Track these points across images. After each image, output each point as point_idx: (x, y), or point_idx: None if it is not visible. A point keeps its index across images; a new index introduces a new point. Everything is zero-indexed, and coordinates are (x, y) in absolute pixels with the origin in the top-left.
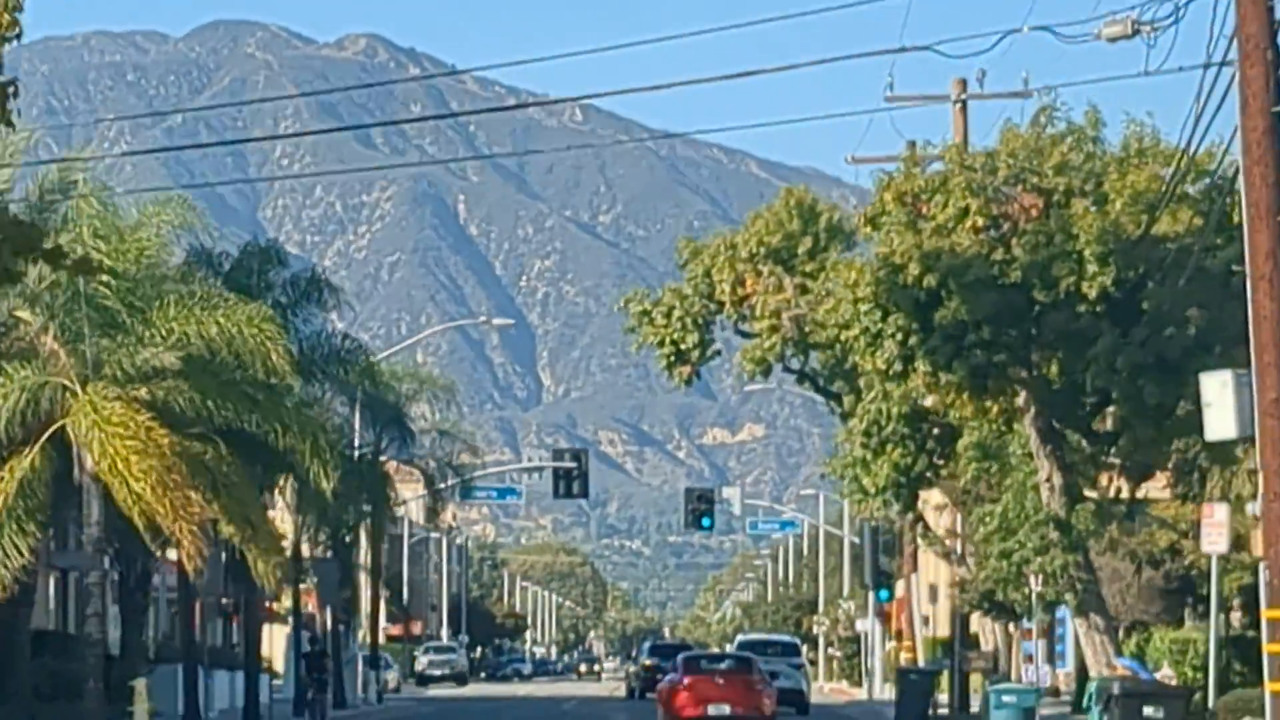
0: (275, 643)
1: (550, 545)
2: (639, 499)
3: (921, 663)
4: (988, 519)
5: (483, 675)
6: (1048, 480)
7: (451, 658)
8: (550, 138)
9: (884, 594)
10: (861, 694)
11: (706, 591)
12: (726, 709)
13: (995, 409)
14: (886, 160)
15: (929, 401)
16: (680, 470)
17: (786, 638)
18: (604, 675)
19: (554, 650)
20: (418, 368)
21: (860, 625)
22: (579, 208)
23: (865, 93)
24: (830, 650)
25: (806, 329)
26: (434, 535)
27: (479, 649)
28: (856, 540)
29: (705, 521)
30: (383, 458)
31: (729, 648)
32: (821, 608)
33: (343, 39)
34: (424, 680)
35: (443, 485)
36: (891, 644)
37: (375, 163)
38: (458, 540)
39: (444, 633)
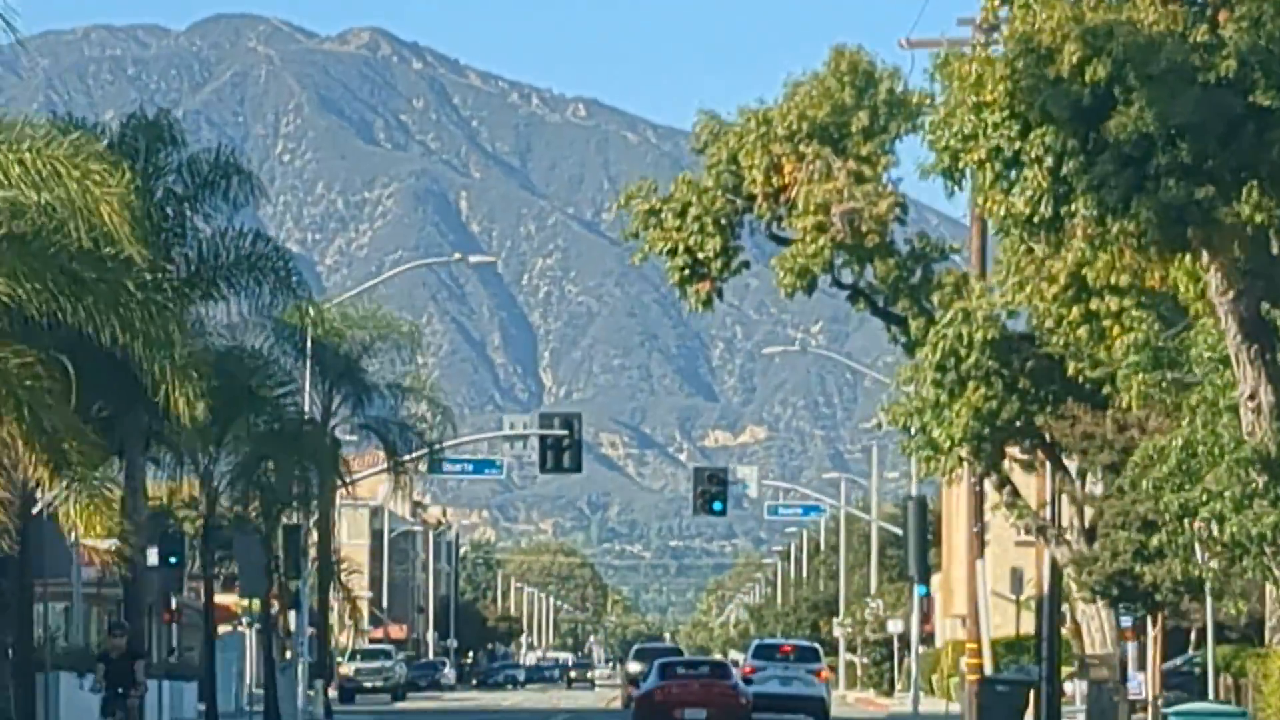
0: None
1: (548, 545)
2: (640, 502)
3: (988, 669)
4: (1162, 454)
5: (474, 683)
6: (1251, 398)
7: (385, 665)
8: (553, 133)
9: (922, 589)
10: (897, 705)
11: (709, 595)
12: (703, 714)
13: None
14: (948, 44)
15: (1018, 320)
16: (681, 473)
17: (805, 642)
18: (597, 683)
19: (548, 654)
20: (374, 307)
21: (892, 626)
22: (582, 205)
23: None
24: (851, 655)
25: (863, 229)
26: (418, 529)
27: (470, 654)
28: (899, 530)
29: (716, 505)
30: (334, 421)
31: (734, 654)
32: (843, 608)
33: (345, 33)
34: (348, 694)
35: (408, 457)
36: (922, 648)
37: (377, 158)
38: (447, 537)
39: (430, 636)
